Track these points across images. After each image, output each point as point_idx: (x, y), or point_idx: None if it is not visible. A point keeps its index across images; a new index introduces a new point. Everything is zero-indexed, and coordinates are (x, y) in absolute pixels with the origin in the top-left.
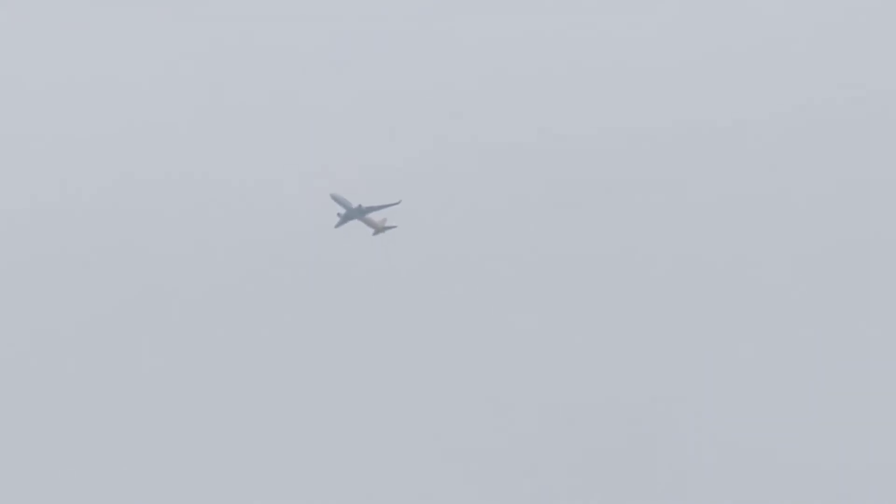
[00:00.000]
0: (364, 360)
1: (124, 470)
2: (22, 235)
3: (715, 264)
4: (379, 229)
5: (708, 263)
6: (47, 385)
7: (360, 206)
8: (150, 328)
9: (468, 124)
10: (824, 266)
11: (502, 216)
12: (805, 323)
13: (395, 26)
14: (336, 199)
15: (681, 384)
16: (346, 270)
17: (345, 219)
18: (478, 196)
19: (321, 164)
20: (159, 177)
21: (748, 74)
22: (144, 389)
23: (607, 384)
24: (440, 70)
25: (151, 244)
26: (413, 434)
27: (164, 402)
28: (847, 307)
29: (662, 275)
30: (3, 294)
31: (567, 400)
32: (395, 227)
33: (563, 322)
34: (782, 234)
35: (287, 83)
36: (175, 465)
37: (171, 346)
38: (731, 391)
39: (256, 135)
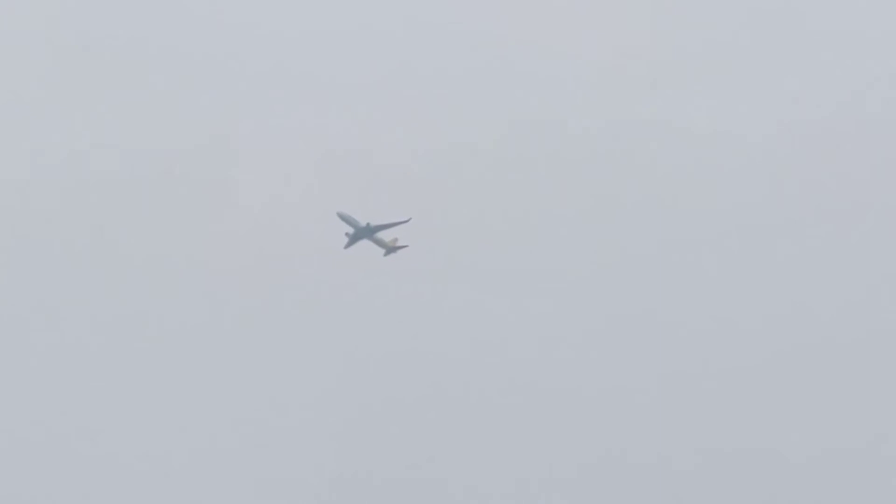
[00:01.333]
0: (377, 381)
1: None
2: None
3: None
4: (390, 249)
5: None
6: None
7: (368, 224)
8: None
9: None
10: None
11: (521, 233)
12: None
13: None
14: (343, 217)
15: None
16: (357, 292)
17: (353, 239)
18: (491, 211)
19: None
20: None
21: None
22: (147, 408)
23: (614, 398)
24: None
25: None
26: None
27: (163, 424)
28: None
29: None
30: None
31: (574, 414)
32: (406, 246)
33: (579, 336)
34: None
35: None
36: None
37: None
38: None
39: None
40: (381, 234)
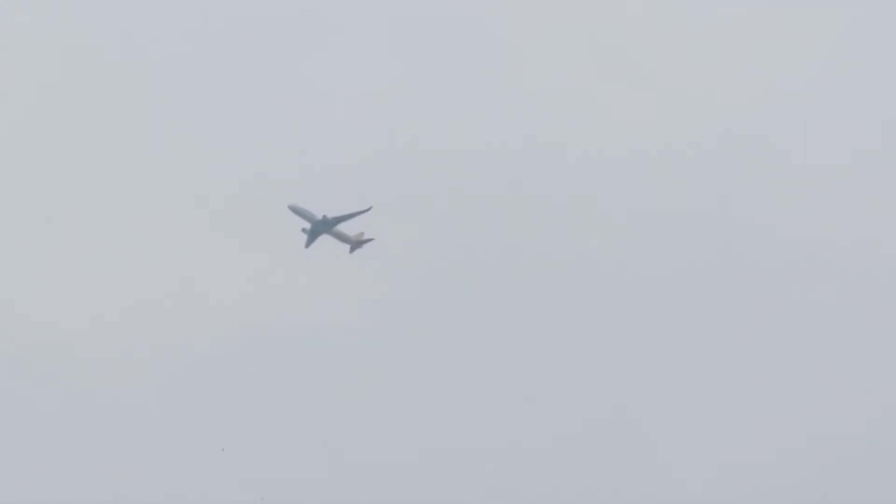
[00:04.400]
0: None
1: None
2: None
3: None
4: (355, 244)
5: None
6: None
7: (325, 216)
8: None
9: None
10: None
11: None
12: None
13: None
14: (296, 210)
15: None
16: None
17: (313, 234)
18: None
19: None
20: None
21: None
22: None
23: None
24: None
25: None
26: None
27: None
28: None
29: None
30: None
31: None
32: (371, 239)
33: (553, 328)
34: None
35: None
36: None
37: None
38: None
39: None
40: (343, 228)
